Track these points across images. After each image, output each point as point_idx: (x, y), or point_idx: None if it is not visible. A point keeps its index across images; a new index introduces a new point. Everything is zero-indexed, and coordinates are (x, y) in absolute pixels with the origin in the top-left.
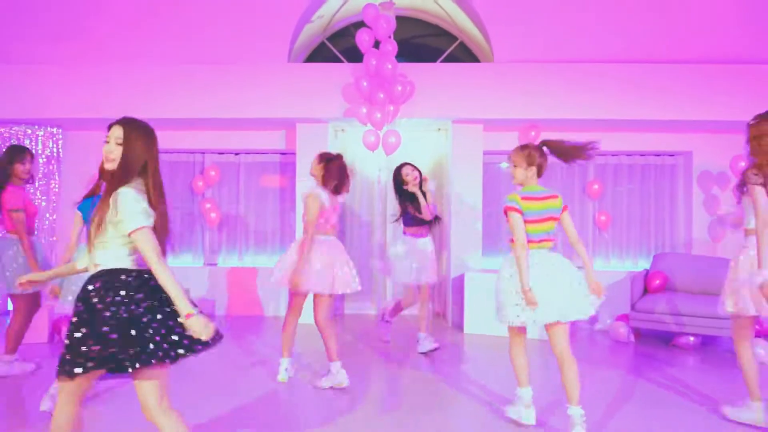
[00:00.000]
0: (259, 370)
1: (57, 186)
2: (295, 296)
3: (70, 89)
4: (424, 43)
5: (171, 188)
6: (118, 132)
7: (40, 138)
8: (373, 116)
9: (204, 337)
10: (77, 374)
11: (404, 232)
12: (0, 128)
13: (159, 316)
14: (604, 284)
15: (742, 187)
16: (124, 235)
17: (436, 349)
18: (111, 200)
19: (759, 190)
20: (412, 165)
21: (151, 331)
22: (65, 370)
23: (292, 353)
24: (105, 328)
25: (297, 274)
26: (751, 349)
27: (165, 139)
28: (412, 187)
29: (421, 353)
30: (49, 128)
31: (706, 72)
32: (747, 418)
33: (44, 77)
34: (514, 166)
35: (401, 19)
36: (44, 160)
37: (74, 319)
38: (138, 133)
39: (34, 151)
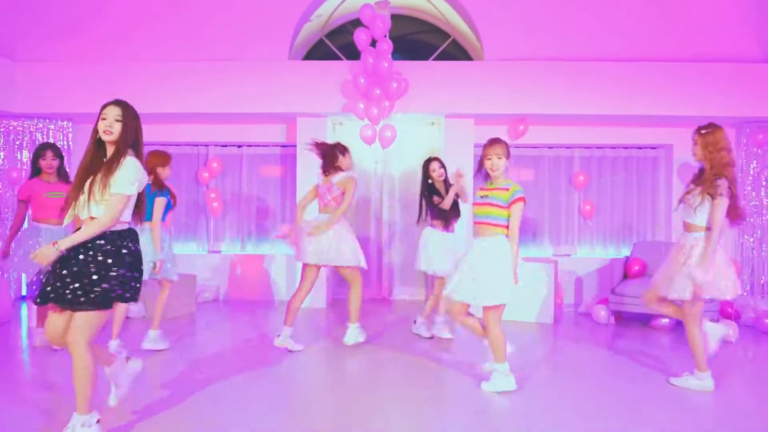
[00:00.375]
0: (255, 346)
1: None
2: (303, 269)
3: (79, 85)
4: (418, 39)
5: (177, 179)
6: (116, 111)
7: (51, 131)
8: (370, 112)
9: (35, 260)
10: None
11: (431, 225)
12: (13, 122)
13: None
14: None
15: (710, 191)
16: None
17: (431, 338)
18: (116, 165)
19: (724, 202)
20: (440, 161)
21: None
22: (102, 303)
23: (292, 323)
24: (121, 270)
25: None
26: (699, 329)
27: (171, 132)
28: (437, 182)
29: (415, 333)
30: (59, 122)
31: (686, 69)
32: (696, 386)
33: (54, 73)
34: (498, 158)
35: (396, 17)
36: None
37: (85, 265)
38: (132, 112)
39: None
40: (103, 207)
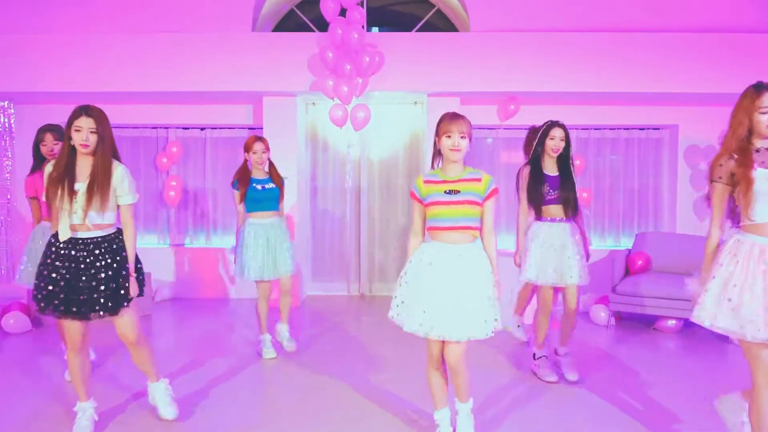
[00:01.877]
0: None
1: (11, 163)
2: None
3: (20, 61)
4: (401, 10)
5: (135, 165)
6: (89, 122)
7: None
8: (339, 89)
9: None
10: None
11: (536, 217)
12: None
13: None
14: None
15: None
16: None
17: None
18: (108, 178)
19: None
20: (561, 125)
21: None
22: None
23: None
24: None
25: None
26: None
27: (126, 114)
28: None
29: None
30: None
31: (691, 42)
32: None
33: None
34: (462, 137)
35: None
36: None
37: (107, 272)
38: (105, 118)
39: None
40: (104, 214)
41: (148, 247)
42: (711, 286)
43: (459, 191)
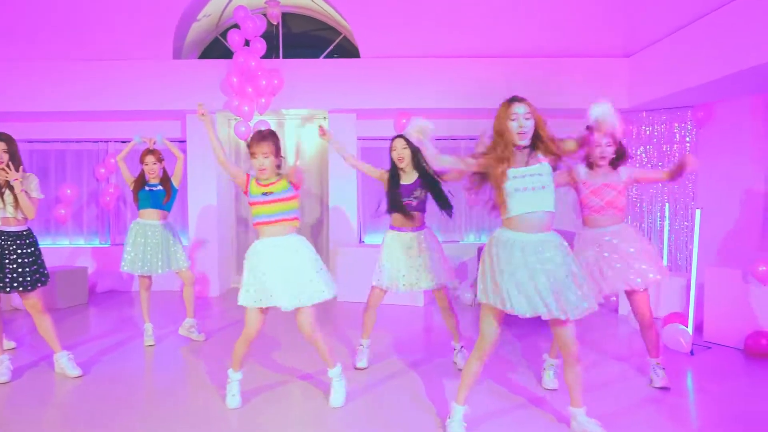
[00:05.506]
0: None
1: None
2: None
3: None
4: (318, 35)
5: (78, 174)
6: (2, 145)
7: None
8: (241, 109)
9: None
10: None
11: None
12: None
13: None
14: None
15: None
16: None
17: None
18: (27, 183)
19: None
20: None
21: None
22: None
23: None
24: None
25: None
26: None
27: (70, 129)
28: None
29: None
30: None
31: (550, 65)
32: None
33: None
34: (265, 157)
35: (298, 16)
36: None
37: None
38: (12, 141)
39: None
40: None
41: (90, 247)
42: None
43: (273, 192)
